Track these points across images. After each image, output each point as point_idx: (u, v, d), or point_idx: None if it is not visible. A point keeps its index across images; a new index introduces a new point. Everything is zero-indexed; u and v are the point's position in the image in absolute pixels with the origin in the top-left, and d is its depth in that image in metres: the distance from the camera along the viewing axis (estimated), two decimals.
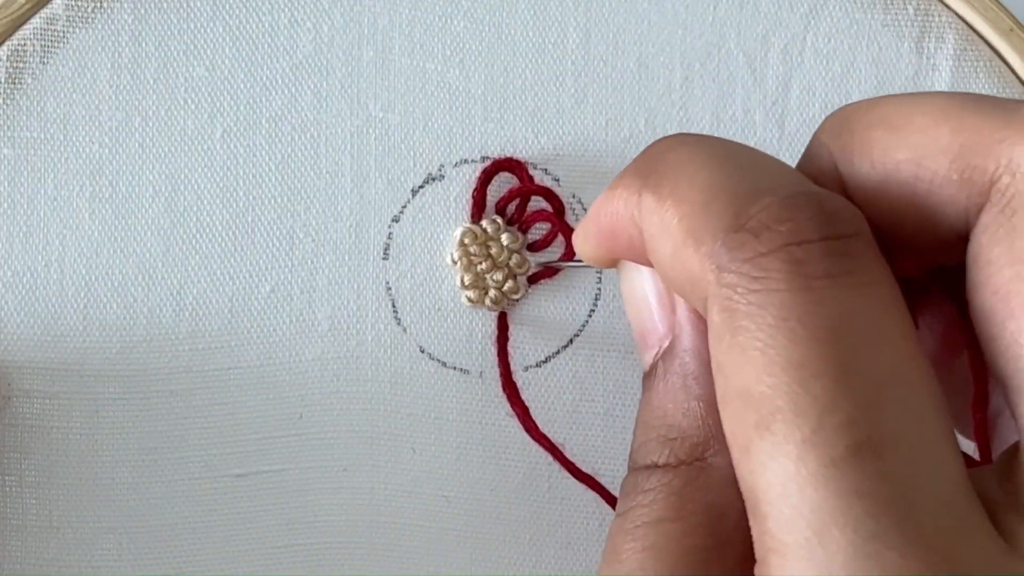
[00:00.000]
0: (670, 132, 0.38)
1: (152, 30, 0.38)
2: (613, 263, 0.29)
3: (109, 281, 0.38)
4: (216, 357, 0.38)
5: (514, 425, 0.39)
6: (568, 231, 0.39)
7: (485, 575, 0.39)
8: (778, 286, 0.23)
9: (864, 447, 0.22)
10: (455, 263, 0.39)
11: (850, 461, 0.22)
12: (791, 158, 0.28)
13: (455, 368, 0.39)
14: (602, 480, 0.39)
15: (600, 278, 0.39)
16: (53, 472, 0.38)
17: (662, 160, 0.26)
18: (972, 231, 0.25)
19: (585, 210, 0.39)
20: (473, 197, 0.39)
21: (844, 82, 0.39)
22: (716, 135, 0.39)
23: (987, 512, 0.23)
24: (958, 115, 0.25)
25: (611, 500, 0.38)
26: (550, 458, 0.39)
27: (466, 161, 0.39)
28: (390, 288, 0.39)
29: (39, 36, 0.38)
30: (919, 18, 0.39)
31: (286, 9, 0.38)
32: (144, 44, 0.38)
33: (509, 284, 0.39)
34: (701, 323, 0.27)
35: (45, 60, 0.38)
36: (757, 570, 0.23)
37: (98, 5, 0.38)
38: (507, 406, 0.39)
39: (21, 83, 0.38)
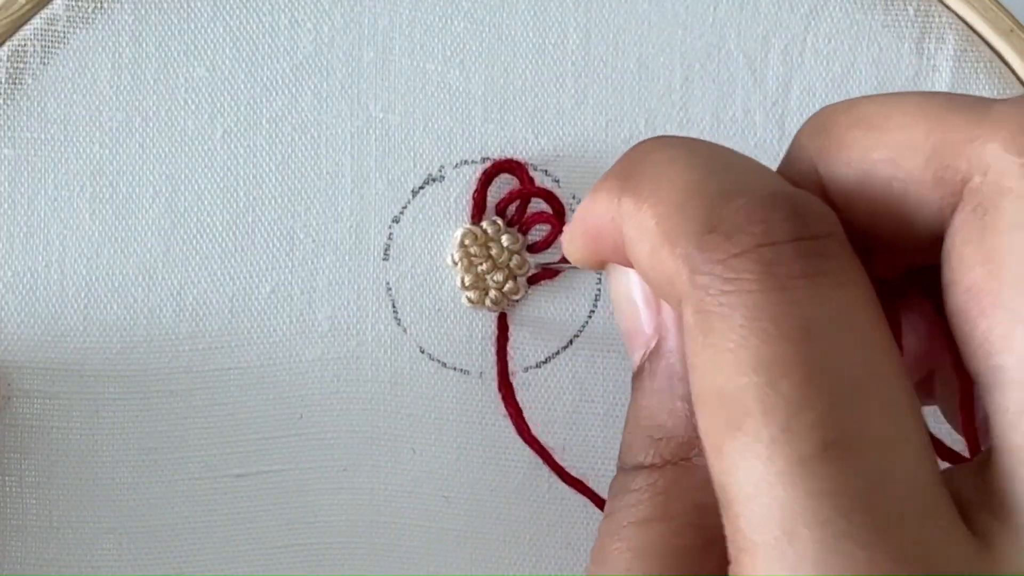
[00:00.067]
0: (670, 132, 0.39)
1: (152, 30, 0.38)
2: (601, 265, 0.29)
3: (109, 281, 0.38)
4: (216, 357, 0.38)
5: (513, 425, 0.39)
6: None
7: (485, 575, 0.39)
8: (750, 287, 0.23)
9: (833, 445, 0.22)
10: (455, 264, 0.39)
11: (819, 460, 0.22)
12: None
13: (455, 368, 0.39)
14: (602, 481, 0.39)
15: (600, 279, 0.39)
16: (53, 472, 0.38)
17: (641, 162, 0.26)
18: (946, 231, 0.25)
19: None
20: (473, 198, 0.39)
21: (844, 83, 0.39)
22: (715, 136, 0.39)
23: (962, 512, 0.23)
24: (933, 115, 0.25)
25: (601, 504, 0.38)
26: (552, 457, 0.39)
27: (466, 162, 0.39)
28: (390, 288, 0.39)
29: (39, 36, 0.38)
30: (919, 19, 0.39)
31: (286, 10, 0.38)
32: (144, 45, 0.38)
33: (509, 285, 0.39)
34: None
35: (45, 60, 0.38)
36: (731, 570, 0.23)
37: (98, 6, 0.38)
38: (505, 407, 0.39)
39: (21, 83, 0.38)
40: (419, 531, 0.39)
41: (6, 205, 0.38)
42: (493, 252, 0.39)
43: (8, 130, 0.38)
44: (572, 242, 0.29)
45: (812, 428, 0.22)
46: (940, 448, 0.28)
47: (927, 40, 0.39)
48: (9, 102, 0.38)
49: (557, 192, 0.39)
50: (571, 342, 0.39)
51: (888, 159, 0.25)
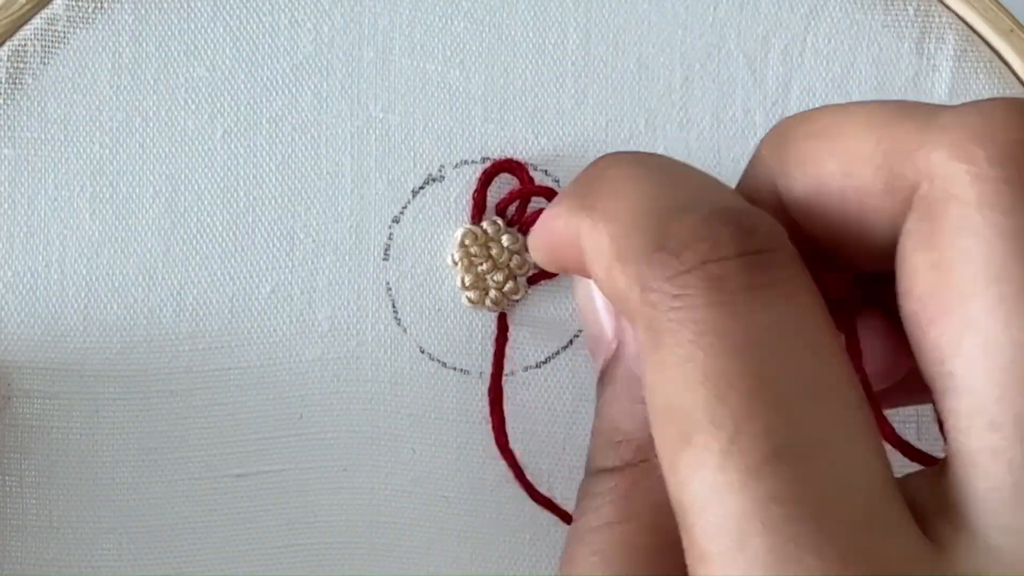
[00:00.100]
0: (670, 133, 0.39)
1: (153, 31, 0.38)
2: (565, 271, 0.29)
3: (109, 281, 0.38)
4: (216, 357, 0.38)
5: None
6: None
7: (485, 575, 0.39)
8: (696, 302, 0.24)
9: (781, 453, 0.23)
10: (456, 264, 0.39)
11: (767, 468, 0.22)
12: None
13: (455, 368, 0.39)
14: None
15: None
16: (53, 472, 0.38)
17: (599, 179, 0.27)
18: (899, 239, 0.25)
19: None
20: (473, 198, 0.39)
21: (844, 83, 0.39)
22: (715, 136, 0.39)
23: (918, 517, 0.23)
24: (883, 123, 0.25)
25: (568, 520, 0.38)
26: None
27: (466, 162, 0.39)
28: (390, 288, 0.39)
29: (39, 36, 0.38)
30: (919, 19, 0.39)
31: (286, 10, 0.38)
32: (145, 45, 0.38)
33: (509, 285, 0.39)
34: None
35: (46, 60, 0.38)
36: None
37: (99, 6, 0.38)
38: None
39: (22, 83, 0.38)
40: (419, 531, 0.39)
41: (6, 205, 0.38)
42: (493, 252, 0.39)
43: (8, 130, 0.38)
44: (536, 250, 0.30)
45: (760, 437, 0.23)
46: (910, 450, 0.28)
47: (927, 40, 0.39)
48: (9, 102, 0.38)
49: (557, 192, 0.39)
50: (571, 342, 0.39)
51: (840, 170, 0.26)
